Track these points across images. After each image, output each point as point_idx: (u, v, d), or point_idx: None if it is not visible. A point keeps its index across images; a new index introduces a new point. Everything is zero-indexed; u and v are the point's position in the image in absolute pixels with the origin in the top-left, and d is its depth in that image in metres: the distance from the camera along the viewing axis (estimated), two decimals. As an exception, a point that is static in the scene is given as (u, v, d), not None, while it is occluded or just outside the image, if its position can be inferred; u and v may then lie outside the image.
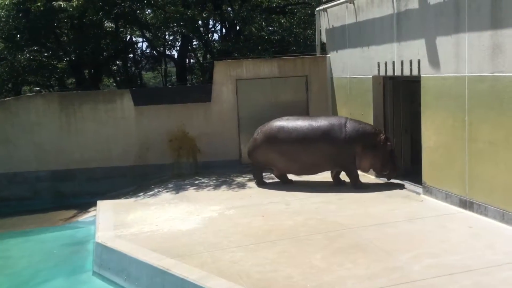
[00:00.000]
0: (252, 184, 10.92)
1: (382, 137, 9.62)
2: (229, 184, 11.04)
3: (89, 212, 10.94)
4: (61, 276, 7.88)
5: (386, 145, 9.55)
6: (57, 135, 12.56)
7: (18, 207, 11.90)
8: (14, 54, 16.48)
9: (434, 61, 8.40)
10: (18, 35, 15.71)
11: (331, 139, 9.64)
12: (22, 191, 12.40)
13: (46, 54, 17.63)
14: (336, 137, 9.64)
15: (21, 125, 12.51)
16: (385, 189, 9.61)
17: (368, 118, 10.54)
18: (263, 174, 10.80)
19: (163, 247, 7.15)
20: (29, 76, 18.84)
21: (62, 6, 13.97)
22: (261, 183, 10.60)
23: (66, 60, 17.81)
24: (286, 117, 10.34)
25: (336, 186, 10.07)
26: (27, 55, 17.10)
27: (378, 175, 10.10)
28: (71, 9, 13.82)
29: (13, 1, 14.53)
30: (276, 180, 10.73)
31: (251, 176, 11.62)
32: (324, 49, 13.27)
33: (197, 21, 16.78)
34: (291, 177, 10.63)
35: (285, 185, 10.52)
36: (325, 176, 11.03)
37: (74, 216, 11.16)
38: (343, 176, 10.15)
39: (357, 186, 9.73)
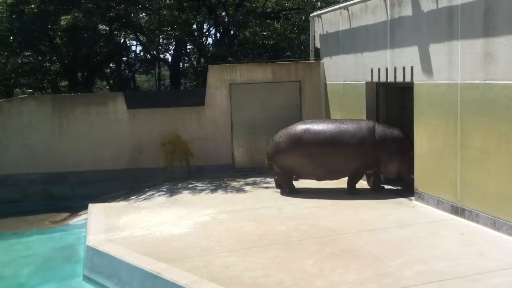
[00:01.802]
0: (248, 188, 10.92)
1: (409, 141, 9.41)
2: (222, 188, 11.03)
3: (80, 215, 10.88)
4: (51, 279, 7.82)
5: (412, 149, 9.25)
6: (49, 137, 12.51)
7: (9, 209, 11.82)
8: (7, 56, 16.40)
9: (427, 68, 8.46)
10: (12, 37, 15.64)
11: (360, 142, 9.46)
12: (13, 193, 12.32)
13: (39, 56, 17.55)
14: (366, 140, 9.47)
15: (13, 127, 12.45)
16: (377, 195, 9.64)
17: (361, 124, 10.56)
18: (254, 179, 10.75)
19: (155, 251, 7.12)
20: (22, 78, 18.75)
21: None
22: (281, 187, 10.30)
23: (59, 62, 17.75)
24: (309, 120, 10.19)
25: (376, 192, 9.81)
26: (20, 59, 17.03)
27: (406, 178, 9.74)
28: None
29: (11, 2, 14.46)
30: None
31: (244, 180, 11.63)
32: (318, 55, 13.31)
33: (191, 25, 16.80)
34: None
35: (278, 190, 10.52)
36: (317, 182, 11.05)
37: (65, 219, 11.10)
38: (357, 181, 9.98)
39: (355, 192, 9.69)
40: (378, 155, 9.48)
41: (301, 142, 9.72)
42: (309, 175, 10.07)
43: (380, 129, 9.58)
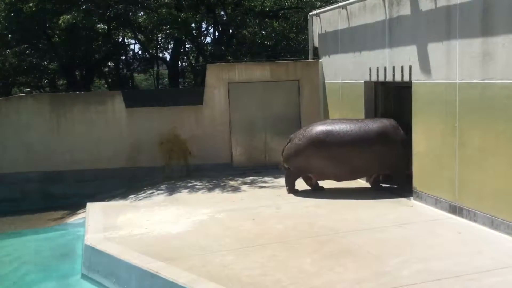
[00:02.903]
0: (246, 187, 10.92)
1: None
2: (220, 187, 11.03)
3: (78, 214, 10.88)
4: (50, 278, 7.81)
5: None
6: (47, 136, 12.49)
7: (7, 208, 11.80)
8: (4, 54, 16.38)
9: (425, 67, 8.46)
10: (10, 36, 15.62)
11: (387, 141, 9.36)
12: (11, 192, 12.29)
13: (37, 55, 17.54)
14: (393, 139, 9.38)
15: (11, 126, 12.43)
16: (375, 194, 9.64)
17: (360, 123, 10.56)
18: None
19: (153, 250, 7.12)
20: (20, 77, 18.73)
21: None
22: (294, 190, 10.08)
23: (58, 61, 17.73)
24: (330, 120, 10.00)
25: (375, 191, 9.78)
26: (18, 57, 17.01)
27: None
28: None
29: (8, 1, 14.44)
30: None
31: (242, 179, 11.63)
32: (316, 54, 13.32)
33: (190, 24, 16.78)
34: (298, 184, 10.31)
35: (277, 188, 10.53)
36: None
37: (63, 218, 11.09)
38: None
39: (405, 189, 9.44)
40: (405, 153, 9.28)
41: (324, 144, 9.49)
42: (329, 176, 9.84)
43: (404, 127, 9.45)
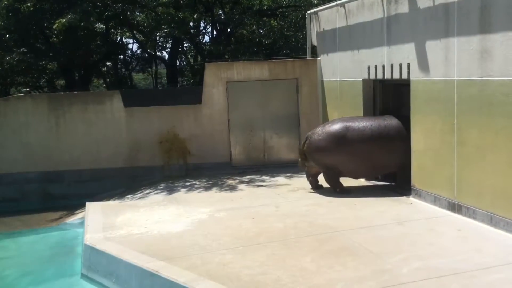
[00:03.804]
0: (245, 185, 10.92)
1: None
2: (219, 186, 11.03)
3: (77, 214, 10.87)
4: (49, 278, 7.81)
5: None
6: (46, 136, 12.48)
7: (6, 208, 11.79)
8: (2, 54, 16.35)
9: (424, 65, 8.47)
10: (7, 36, 15.59)
11: (405, 138, 9.23)
12: (10, 192, 12.29)
13: (35, 55, 17.50)
14: (407, 136, 9.22)
15: (10, 126, 12.41)
16: (375, 192, 9.65)
17: (358, 121, 10.57)
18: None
19: (152, 249, 7.12)
20: (18, 77, 18.70)
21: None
22: (317, 187, 10.04)
23: (56, 61, 17.70)
24: (347, 117, 9.93)
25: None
26: (16, 57, 16.96)
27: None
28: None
29: (5, 2, 14.42)
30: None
31: (241, 178, 11.63)
32: (314, 52, 13.31)
33: (188, 23, 16.77)
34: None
35: (277, 187, 10.53)
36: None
37: (63, 217, 11.09)
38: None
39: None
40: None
41: (345, 140, 9.41)
42: (349, 173, 9.77)
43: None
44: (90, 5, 14.57)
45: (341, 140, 9.47)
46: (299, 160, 10.11)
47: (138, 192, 11.22)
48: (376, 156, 9.41)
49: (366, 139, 9.39)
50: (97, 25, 18.24)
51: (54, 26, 13.77)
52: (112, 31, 19.81)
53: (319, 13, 12.65)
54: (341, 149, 9.47)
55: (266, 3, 20.00)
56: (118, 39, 22.24)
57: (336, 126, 9.64)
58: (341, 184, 9.78)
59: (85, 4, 14.24)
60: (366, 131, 9.44)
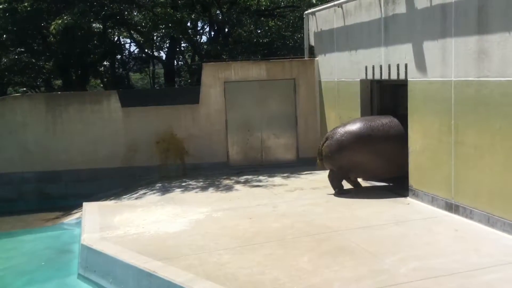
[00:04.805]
0: (242, 185, 10.91)
1: None
2: (217, 186, 11.02)
3: (74, 214, 10.85)
4: (46, 278, 7.79)
5: None
6: (43, 136, 12.44)
7: (3, 208, 11.75)
8: (0, 54, 16.33)
9: (421, 65, 8.47)
10: (5, 35, 15.55)
11: None
12: (7, 192, 12.25)
13: (32, 55, 17.48)
14: None
15: (7, 126, 12.38)
16: (372, 192, 9.66)
17: (356, 121, 10.57)
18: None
19: (150, 249, 7.11)
20: (15, 77, 18.66)
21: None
22: (342, 191, 9.67)
23: (53, 61, 17.68)
24: (363, 118, 9.75)
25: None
26: (13, 57, 16.94)
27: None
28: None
29: (3, 1, 14.39)
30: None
31: (238, 178, 11.63)
32: (312, 52, 13.32)
33: (185, 23, 16.77)
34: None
35: (274, 187, 10.53)
36: (312, 179, 11.07)
37: (60, 217, 11.06)
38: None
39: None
40: None
41: (370, 139, 9.26)
42: (370, 173, 9.66)
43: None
44: (87, 5, 14.53)
45: (365, 140, 9.31)
46: (318, 161, 9.92)
47: (135, 192, 11.20)
48: (399, 156, 9.20)
49: (391, 139, 9.26)
50: (94, 25, 18.24)
51: (51, 29, 13.74)
52: (110, 31, 19.79)
53: (317, 13, 12.66)
54: (365, 149, 9.31)
55: (263, 3, 20.00)
56: (116, 39, 22.22)
57: (359, 126, 9.46)
58: (342, 186, 9.74)
59: (81, 4, 14.20)
60: (391, 131, 9.31)
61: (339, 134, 9.52)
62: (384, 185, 10.04)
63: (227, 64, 13.17)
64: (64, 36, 16.39)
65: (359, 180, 10.08)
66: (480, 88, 7.16)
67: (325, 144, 9.65)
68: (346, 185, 9.86)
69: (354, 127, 9.50)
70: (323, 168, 10.00)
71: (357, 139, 9.36)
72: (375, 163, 9.37)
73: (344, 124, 9.77)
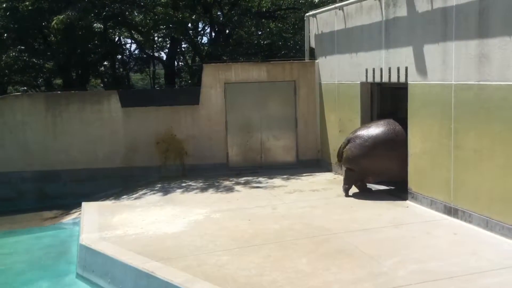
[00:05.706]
0: (241, 187, 10.91)
1: None
2: (216, 187, 11.02)
3: (73, 213, 10.84)
4: (44, 278, 7.78)
5: None
6: (43, 135, 12.43)
7: (2, 207, 11.74)
8: (0, 53, 16.33)
9: (421, 68, 8.48)
10: (5, 34, 15.56)
11: None
12: (6, 191, 12.23)
13: (33, 54, 17.49)
14: None
15: (6, 125, 12.37)
16: (371, 195, 9.66)
17: (356, 123, 10.59)
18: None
19: (148, 250, 7.11)
20: (15, 76, 18.67)
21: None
22: (347, 192, 9.66)
23: (54, 60, 17.68)
24: (383, 121, 9.53)
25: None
26: (14, 56, 16.95)
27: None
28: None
29: (4, 0, 14.40)
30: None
31: (238, 179, 11.62)
32: (313, 54, 13.32)
33: (186, 24, 16.78)
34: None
35: (273, 188, 10.54)
36: (311, 181, 11.08)
37: (58, 217, 11.05)
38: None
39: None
40: None
41: (394, 144, 9.13)
42: (389, 176, 9.55)
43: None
44: (89, 3, 14.55)
45: (390, 145, 9.20)
46: (337, 162, 9.80)
47: (134, 193, 11.20)
48: None
49: None
50: (95, 24, 18.25)
51: (52, 23, 13.73)
52: (110, 31, 19.80)
53: (318, 15, 12.67)
54: (389, 154, 9.20)
55: (264, 5, 20.03)
56: (116, 39, 22.23)
57: (383, 130, 9.31)
58: (352, 186, 9.68)
59: (83, 2, 14.22)
60: None
61: (362, 139, 9.35)
62: (384, 188, 10.04)
63: (228, 65, 13.18)
64: (65, 36, 16.40)
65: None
66: (480, 92, 7.16)
67: (346, 147, 9.52)
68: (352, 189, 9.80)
69: (378, 130, 9.33)
70: (341, 168, 9.85)
71: (381, 144, 9.23)
72: (397, 167, 9.22)
73: (367, 128, 9.56)
